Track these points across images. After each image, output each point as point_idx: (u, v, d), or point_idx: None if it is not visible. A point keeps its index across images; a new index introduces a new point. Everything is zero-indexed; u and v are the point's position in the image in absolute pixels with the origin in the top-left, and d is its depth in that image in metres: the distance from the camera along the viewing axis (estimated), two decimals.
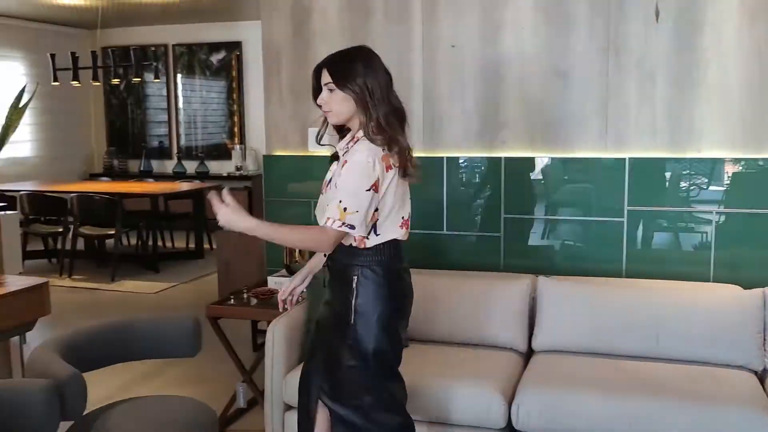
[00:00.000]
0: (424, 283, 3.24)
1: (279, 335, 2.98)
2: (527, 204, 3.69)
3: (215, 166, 9.91)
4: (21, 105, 3.07)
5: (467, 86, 3.71)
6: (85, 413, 2.56)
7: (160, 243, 8.05)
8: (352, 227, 2.19)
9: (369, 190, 2.20)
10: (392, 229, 2.31)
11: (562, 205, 3.65)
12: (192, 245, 8.06)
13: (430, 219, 3.75)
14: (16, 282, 3.33)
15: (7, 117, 3.08)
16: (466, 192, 3.76)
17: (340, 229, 2.18)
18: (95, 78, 7.61)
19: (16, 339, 3.32)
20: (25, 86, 3.25)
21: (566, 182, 3.68)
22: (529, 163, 3.65)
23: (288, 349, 3.00)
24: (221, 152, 9.93)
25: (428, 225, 3.75)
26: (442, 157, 3.76)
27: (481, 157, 3.73)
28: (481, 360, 3.05)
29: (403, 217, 2.34)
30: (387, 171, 2.24)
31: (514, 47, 3.61)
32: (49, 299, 3.34)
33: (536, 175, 3.68)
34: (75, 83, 7.47)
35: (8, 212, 5.82)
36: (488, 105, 3.68)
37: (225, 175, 9.65)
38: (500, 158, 3.67)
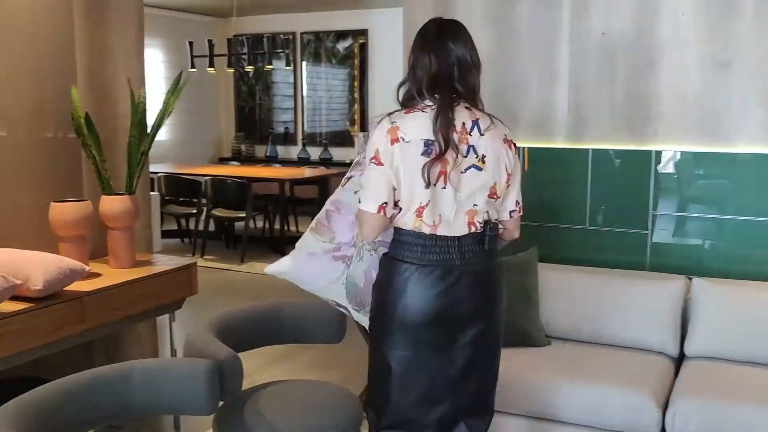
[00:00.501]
0: (567, 279, 3.16)
1: None
2: (678, 200, 3.50)
3: (338, 153, 10.05)
4: (177, 87, 3.15)
5: (617, 75, 3.55)
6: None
7: (285, 227, 8.25)
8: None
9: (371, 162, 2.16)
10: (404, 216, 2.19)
11: (717, 202, 3.43)
12: None
13: (571, 212, 3.63)
14: (166, 261, 3.46)
15: (164, 101, 3.18)
16: (611, 185, 3.61)
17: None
18: (230, 65, 7.85)
19: (164, 317, 3.45)
20: (182, 72, 3.35)
21: (722, 178, 3.46)
22: (683, 157, 3.45)
23: None
24: (344, 139, 10.06)
25: (570, 219, 3.63)
26: (588, 149, 3.62)
27: (630, 150, 3.56)
28: (630, 363, 2.92)
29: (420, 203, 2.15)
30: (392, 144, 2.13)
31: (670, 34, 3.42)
32: (197, 280, 3.46)
33: (689, 170, 3.48)
34: (211, 70, 7.73)
35: (151, 193, 6.08)
36: (639, 95, 3.50)
37: (348, 162, 9.75)
38: (650, 151, 3.49)
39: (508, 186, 2.25)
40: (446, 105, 2.13)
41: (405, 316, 2.20)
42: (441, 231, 2.16)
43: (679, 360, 3.05)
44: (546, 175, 3.67)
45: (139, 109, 3.16)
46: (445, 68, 2.19)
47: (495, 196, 2.22)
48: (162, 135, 9.67)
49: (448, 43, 2.21)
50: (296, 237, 9.24)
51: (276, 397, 2.59)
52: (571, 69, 3.64)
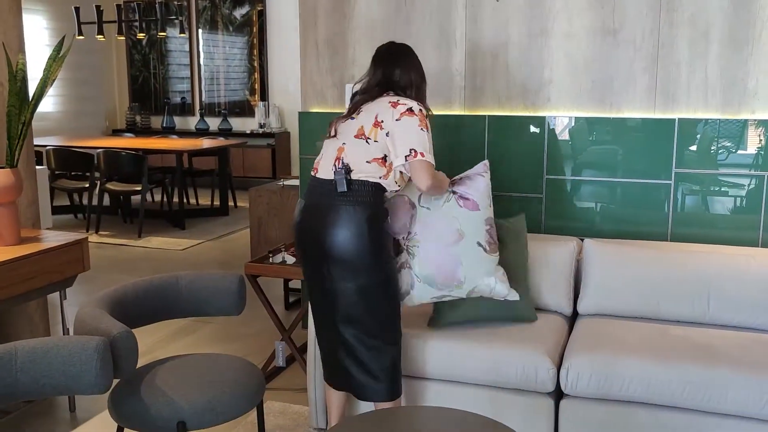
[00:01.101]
0: None
1: None
2: (567, 165, 3.60)
3: (238, 123, 9.86)
4: (60, 55, 2.98)
5: (512, 44, 3.60)
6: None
7: (184, 200, 8.04)
8: None
9: None
10: None
11: (603, 167, 3.55)
12: (217, 202, 8.04)
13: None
14: (55, 237, 3.30)
15: (45, 69, 3.00)
16: (507, 151, 3.67)
17: None
18: (120, 32, 7.53)
19: (55, 295, 3.31)
20: (64, 36, 3.16)
21: (610, 143, 3.58)
22: (573, 122, 3.55)
23: None
24: (244, 109, 9.87)
25: None
26: (485, 116, 3.67)
27: (524, 116, 3.63)
28: (525, 323, 2.99)
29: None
30: None
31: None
32: (88, 255, 3.32)
33: (580, 135, 3.58)
34: (100, 37, 7.39)
35: (38, 167, 5.78)
36: (532, 63, 3.57)
37: (248, 132, 9.60)
38: (544, 117, 3.58)
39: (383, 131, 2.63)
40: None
41: None
42: None
43: (573, 318, 3.16)
44: (445, 141, 3.70)
45: (17, 77, 2.97)
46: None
47: (363, 137, 2.66)
48: (50, 106, 9.25)
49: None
50: (195, 210, 9.08)
51: (174, 371, 2.53)
52: (468, 36, 3.67)
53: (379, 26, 3.81)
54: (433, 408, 2.48)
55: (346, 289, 2.60)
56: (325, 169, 2.68)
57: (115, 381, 2.47)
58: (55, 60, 3.01)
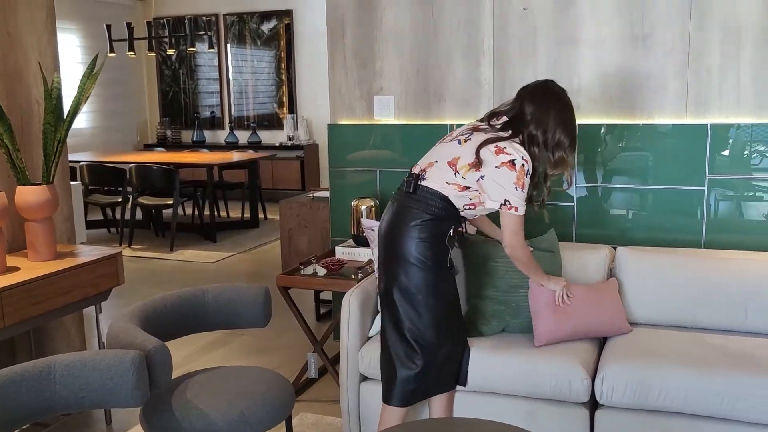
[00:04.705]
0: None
1: (354, 306, 2.94)
2: (598, 173, 3.57)
3: (267, 136, 9.93)
4: (93, 72, 3.04)
5: (539, 51, 3.59)
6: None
7: (215, 213, 8.11)
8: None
9: None
10: None
11: (637, 174, 3.51)
12: (247, 215, 8.10)
13: None
14: (90, 252, 3.35)
15: (79, 87, 3.06)
16: None
17: None
18: (150, 48, 7.64)
19: (90, 309, 3.35)
20: (97, 54, 3.23)
21: (641, 150, 3.54)
22: (601, 129, 3.53)
23: (362, 320, 2.96)
24: (272, 122, 9.95)
25: None
26: None
27: None
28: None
29: None
30: None
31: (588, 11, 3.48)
32: (123, 269, 3.37)
33: (610, 141, 3.55)
34: (131, 54, 7.51)
35: (72, 183, 5.88)
36: (562, 70, 3.55)
37: (277, 144, 9.67)
38: None
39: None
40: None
41: None
42: None
43: None
44: None
45: (53, 95, 3.04)
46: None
47: (454, 168, 2.61)
48: (83, 122, 9.42)
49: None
50: (226, 222, 9.16)
51: (205, 384, 2.54)
52: (495, 46, 3.67)
53: (407, 37, 3.83)
54: (470, 420, 2.46)
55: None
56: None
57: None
58: (89, 78, 3.07)
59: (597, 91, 3.52)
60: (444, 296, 2.66)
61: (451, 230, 2.63)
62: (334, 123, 4.08)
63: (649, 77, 3.42)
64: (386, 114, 3.94)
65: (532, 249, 2.82)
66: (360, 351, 2.94)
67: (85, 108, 8.72)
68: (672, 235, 3.44)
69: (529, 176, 2.58)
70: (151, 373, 2.20)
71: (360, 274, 3.36)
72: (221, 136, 10.16)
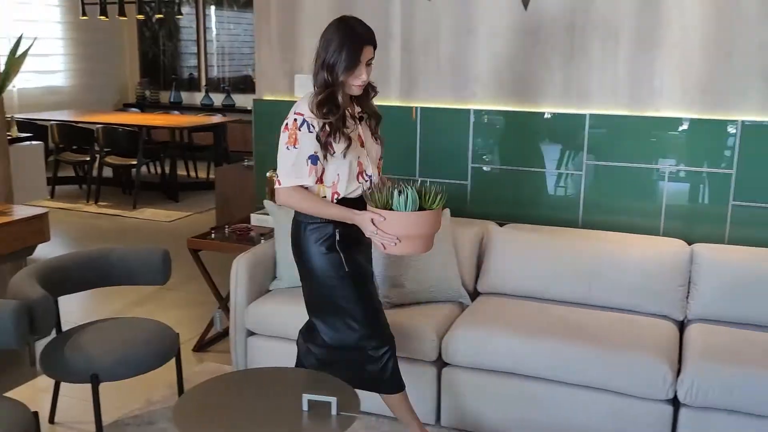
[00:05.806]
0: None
1: (242, 269, 3.30)
2: (493, 154, 3.88)
3: (241, 99, 10.19)
4: (18, 55, 3.34)
5: (441, 40, 3.88)
6: (66, 330, 2.96)
7: (183, 173, 8.44)
8: None
9: None
10: None
11: (524, 157, 3.82)
12: (212, 176, 8.43)
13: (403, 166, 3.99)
14: (20, 212, 3.71)
15: (6, 64, 3.37)
16: (436, 141, 3.97)
17: None
18: (121, 13, 7.89)
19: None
20: (21, 35, 3.51)
21: (530, 135, 3.85)
22: (497, 115, 3.83)
23: (250, 281, 3.32)
24: (248, 85, 10.20)
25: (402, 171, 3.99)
26: (418, 107, 3.96)
27: (452, 109, 3.92)
28: (426, 305, 3.29)
29: None
30: None
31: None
32: (48, 227, 3.72)
33: (503, 127, 3.86)
34: (102, 18, 7.77)
35: (33, 143, 6.23)
36: (459, 60, 3.85)
37: (249, 108, 9.91)
38: (469, 110, 3.86)
39: None
40: None
41: None
42: None
43: (475, 297, 3.46)
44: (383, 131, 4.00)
45: None
46: None
47: None
48: (61, 81, 9.71)
49: None
50: (190, 183, 9.35)
51: (101, 331, 2.93)
52: (402, 32, 3.95)
53: (324, 22, 4.09)
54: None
55: None
56: None
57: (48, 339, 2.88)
58: (15, 58, 3.36)
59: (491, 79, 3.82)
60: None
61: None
62: (260, 99, 4.39)
63: (538, 69, 3.72)
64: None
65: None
66: (246, 308, 3.30)
67: (62, 66, 8.90)
68: (554, 215, 3.77)
69: (308, 124, 2.49)
70: (34, 320, 2.56)
71: (262, 240, 3.71)
72: (198, 98, 10.43)
